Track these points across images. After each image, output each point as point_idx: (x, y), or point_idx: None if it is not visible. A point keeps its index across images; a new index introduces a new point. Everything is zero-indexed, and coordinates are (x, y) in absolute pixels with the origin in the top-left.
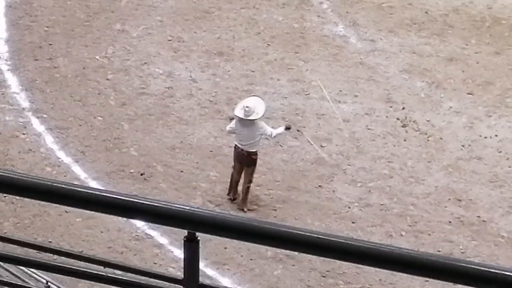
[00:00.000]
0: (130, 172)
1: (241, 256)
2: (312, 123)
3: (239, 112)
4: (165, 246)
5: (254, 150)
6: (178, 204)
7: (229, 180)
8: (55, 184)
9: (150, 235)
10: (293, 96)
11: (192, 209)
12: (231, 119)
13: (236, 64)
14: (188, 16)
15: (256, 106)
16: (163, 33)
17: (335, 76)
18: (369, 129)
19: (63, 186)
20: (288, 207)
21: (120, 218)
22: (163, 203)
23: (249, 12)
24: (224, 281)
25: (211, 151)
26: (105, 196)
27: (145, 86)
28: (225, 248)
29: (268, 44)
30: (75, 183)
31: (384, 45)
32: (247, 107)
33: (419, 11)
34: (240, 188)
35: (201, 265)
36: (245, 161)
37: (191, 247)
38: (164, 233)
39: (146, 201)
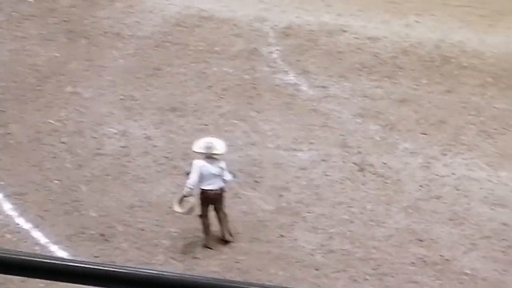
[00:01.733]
0: (91, 234)
1: None
2: (270, 173)
3: (201, 149)
4: None
5: (224, 185)
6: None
7: (198, 233)
8: (13, 256)
9: None
10: (249, 147)
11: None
12: (187, 173)
13: (190, 119)
14: (139, 74)
15: (215, 142)
16: (115, 93)
17: (289, 124)
18: (326, 175)
19: (15, 256)
20: (251, 258)
21: None
22: (129, 268)
23: (199, 66)
24: None
25: (170, 207)
26: (68, 265)
27: (100, 147)
28: None
29: (221, 97)
30: (36, 248)
31: (336, 91)
32: (210, 142)
33: (368, 54)
34: (215, 229)
35: None
36: (219, 200)
37: None
38: None
39: (111, 267)
